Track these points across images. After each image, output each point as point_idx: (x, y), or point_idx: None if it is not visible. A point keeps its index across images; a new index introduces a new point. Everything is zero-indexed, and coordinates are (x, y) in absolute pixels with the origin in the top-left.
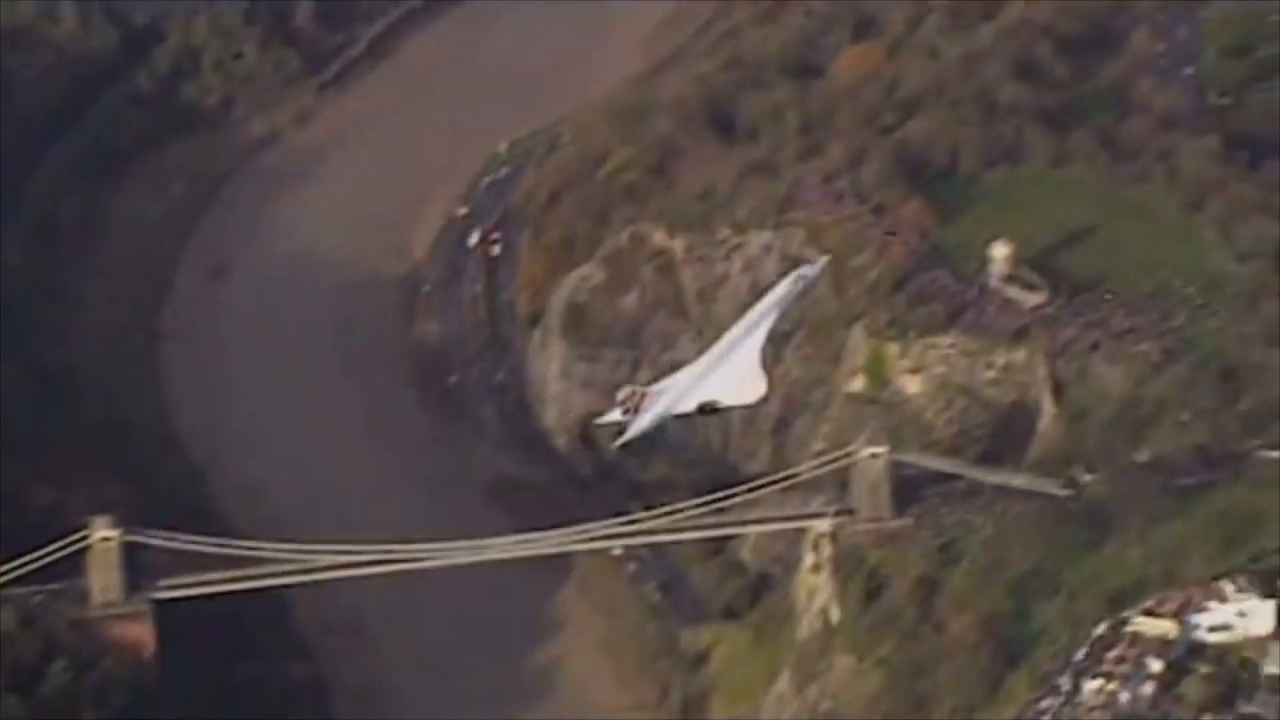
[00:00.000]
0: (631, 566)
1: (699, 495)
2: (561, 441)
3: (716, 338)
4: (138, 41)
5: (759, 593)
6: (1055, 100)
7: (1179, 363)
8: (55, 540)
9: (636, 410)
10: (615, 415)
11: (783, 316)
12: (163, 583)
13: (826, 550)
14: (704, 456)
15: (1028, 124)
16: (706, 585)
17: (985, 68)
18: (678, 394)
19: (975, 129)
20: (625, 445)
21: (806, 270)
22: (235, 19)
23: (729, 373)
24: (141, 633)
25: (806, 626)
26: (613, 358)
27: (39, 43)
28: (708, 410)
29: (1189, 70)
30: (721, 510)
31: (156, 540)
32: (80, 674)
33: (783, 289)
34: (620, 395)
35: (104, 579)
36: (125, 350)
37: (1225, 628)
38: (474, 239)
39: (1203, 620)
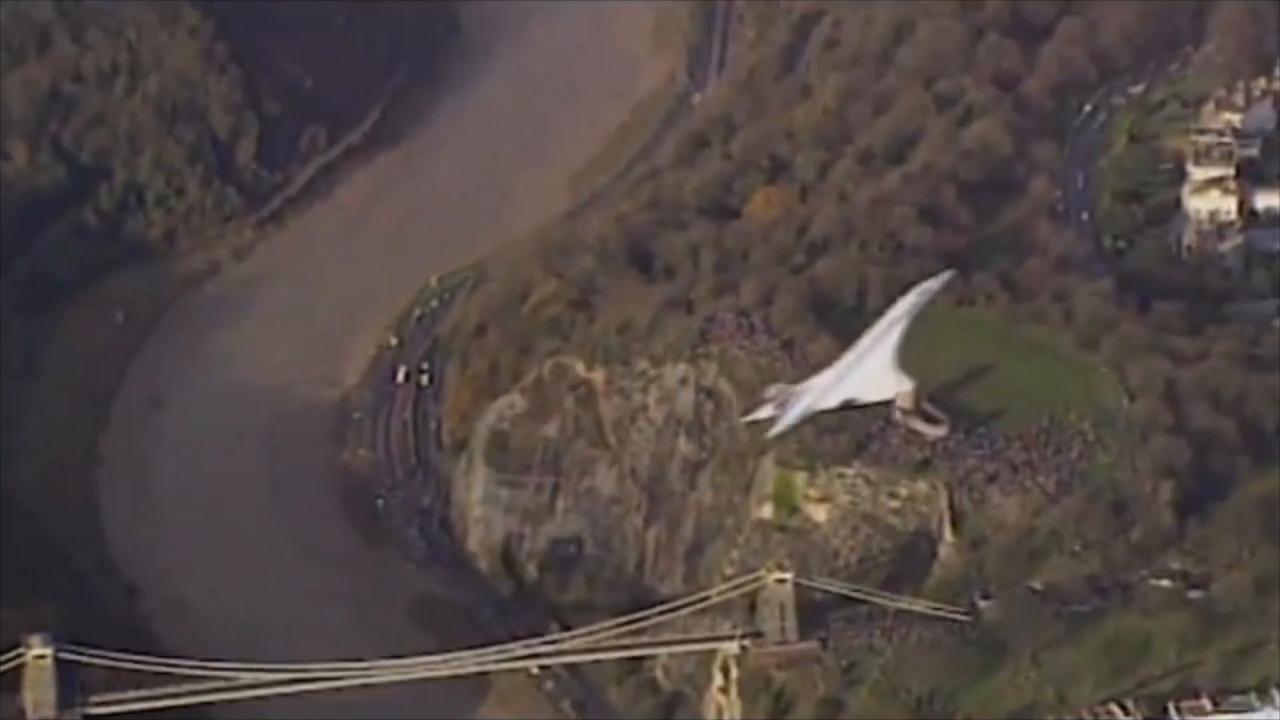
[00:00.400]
0: (549, 684)
1: (614, 616)
2: (483, 563)
3: (634, 466)
4: (85, 178)
5: (672, 711)
6: (958, 242)
7: (1072, 495)
8: None
9: (784, 407)
10: (765, 412)
11: (914, 319)
12: (94, 699)
13: (734, 672)
14: (620, 579)
15: (931, 265)
16: (621, 703)
17: (892, 211)
18: (820, 392)
19: (882, 269)
20: (779, 435)
21: (932, 283)
22: (179, 157)
23: (866, 373)
24: None
25: None
26: (533, 483)
27: None
28: (849, 407)
29: (1085, 215)
30: (635, 631)
31: (88, 658)
32: None
33: (913, 297)
34: (770, 393)
35: (38, 695)
36: (64, 475)
37: None
38: (401, 374)
39: None
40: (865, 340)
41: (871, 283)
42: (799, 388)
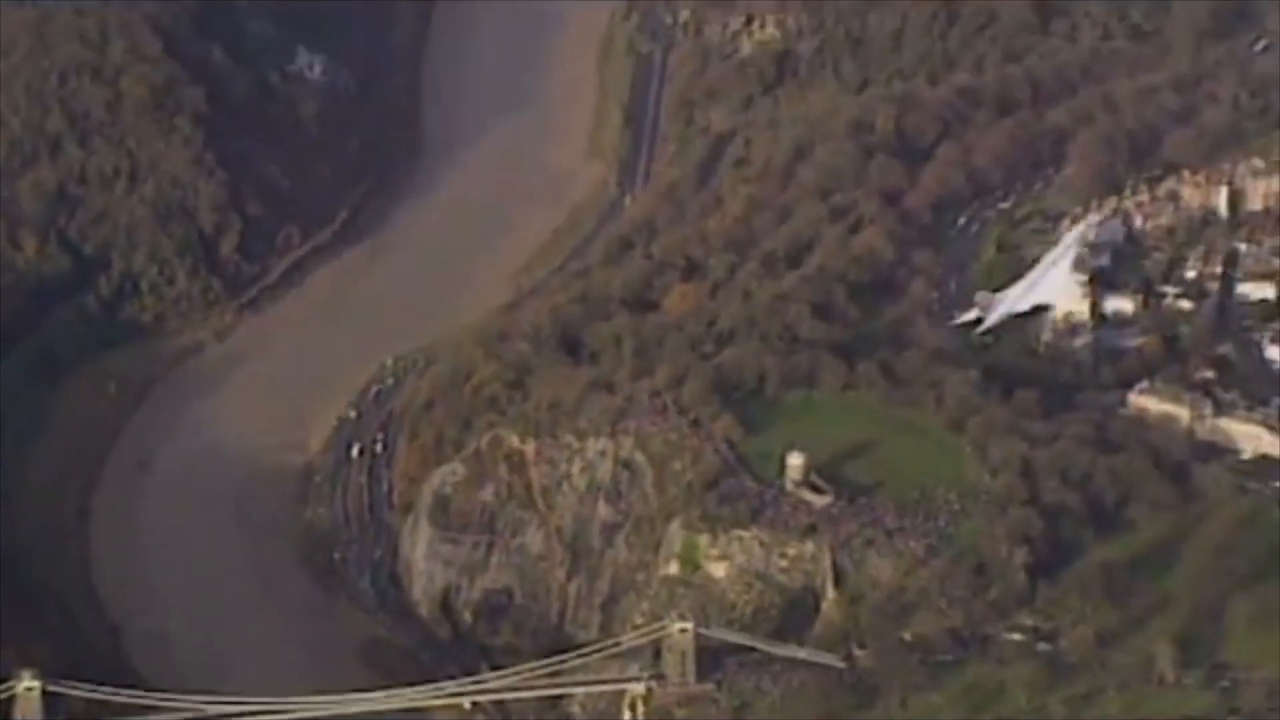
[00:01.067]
0: (479, 718)
1: (538, 659)
2: (425, 611)
3: (559, 526)
4: (86, 267)
5: None
6: (845, 335)
7: (939, 557)
8: None
9: (988, 310)
10: (972, 314)
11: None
12: None
13: (640, 709)
14: (544, 626)
15: (822, 354)
16: None
17: (790, 307)
18: (1015, 299)
19: (778, 357)
20: (986, 331)
21: (1092, 217)
22: (170, 250)
23: (1050, 283)
24: None
25: None
26: (470, 541)
27: (3, 265)
28: (1039, 309)
29: (958, 313)
30: (556, 672)
31: (73, 690)
32: None
33: (1079, 229)
34: (977, 299)
35: None
36: (58, 528)
37: None
38: (356, 449)
39: None
40: (1047, 259)
41: (769, 370)
42: (999, 295)
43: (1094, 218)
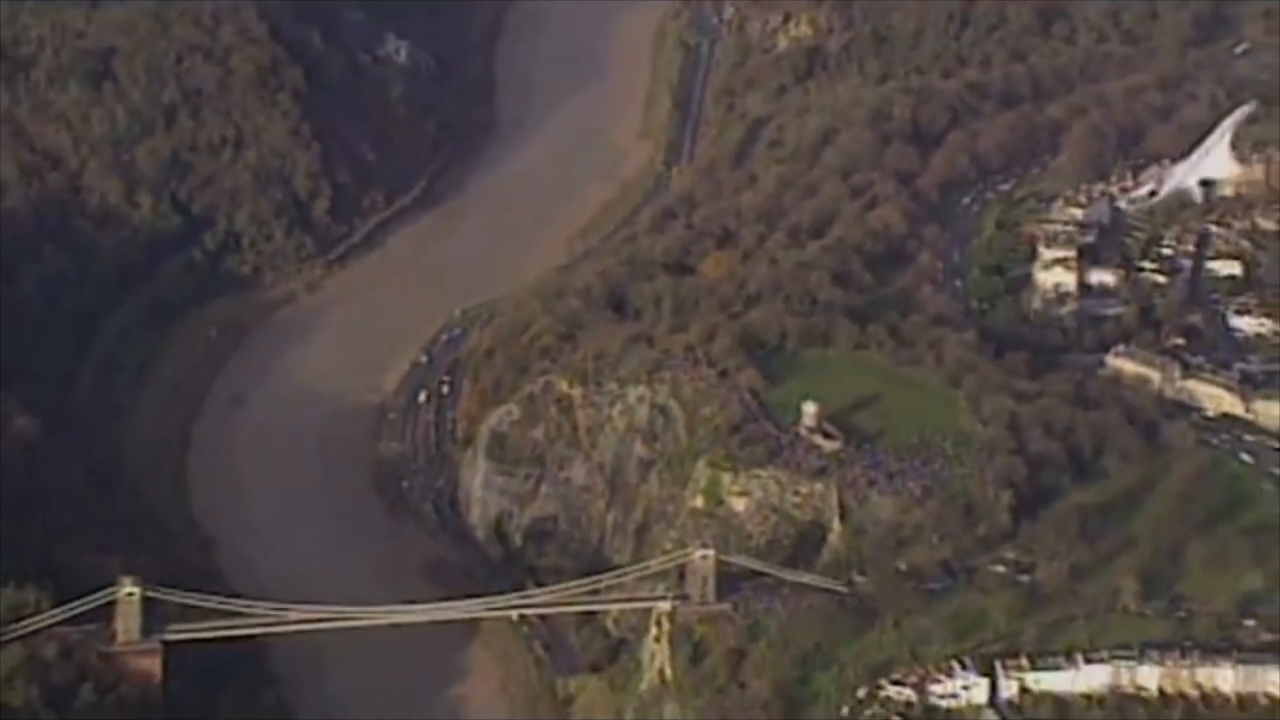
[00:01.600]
0: (524, 629)
1: (578, 578)
2: (480, 534)
3: (600, 463)
4: (194, 224)
5: (617, 653)
6: (859, 300)
7: (933, 498)
8: (93, 593)
9: (1160, 183)
10: (1146, 189)
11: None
12: (171, 628)
13: (666, 625)
14: (584, 550)
15: (837, 316)
16: (579, 646)
17: (811, 274)
18: (1183, 175)
19: (799, 318)
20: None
21: (1238, 114)
22: (268, 212)
23: (1212, 162)
24: (152, 665)
25: (647, 681)
26: (522, 474)
27: (122, 221)
28: (1205, 184)
29: (958, 283)
30: (593, 591)
31: (168, 596)
32: (103, 696)
33: (1230, 121)
34: (1148, 174)
35: (126, 623)
36: (162, 455)
37: (953, 696)
38: (424, 394)
39: (936, 690)
40: (1208, 142)
41: (790, 329)
42: (1167, 171)
43: (1245, 110)
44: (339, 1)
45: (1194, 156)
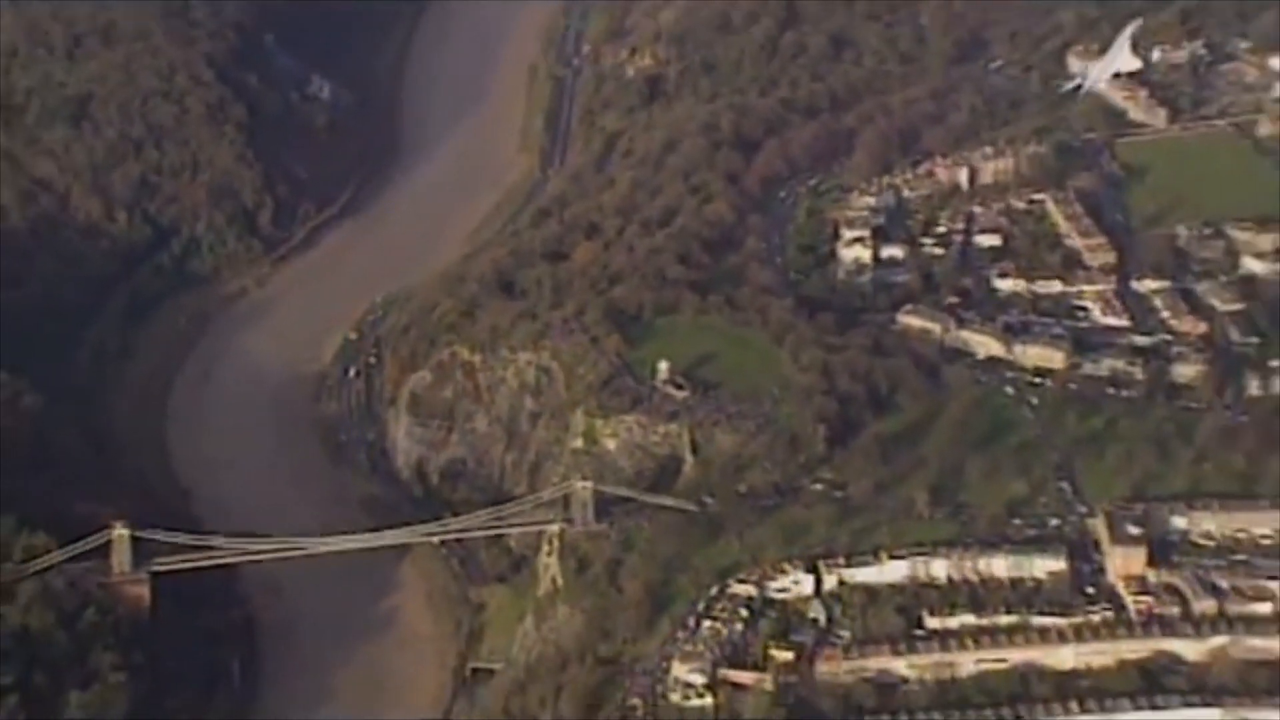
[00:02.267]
0: (444, 550)
1: (485, 509)
2: (405, 475)
3: (498, 415)
4: (163, 234)
5: (518, 567)
6: (700, 277)
7: (765, 433)
8: (92, 534)
9: (1084, 79)
10: (1071, 84)
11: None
12: (156, 561)
13: (556, 543)
14: (489, 485)
15: (683, 290)
16: (487, 562)
17: (661, 257)
18: (1099, 71)
19: (653, 292)
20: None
21: (1129, 29)
22: (222, 221)
23: (1117, 60)
24: (142, 592)
25: (543, 588)
26: (436, 425)
27: (103, 234)
28: (1119, 74)
29: (778, 260)
30: (497, 518)
31: (153, 536)
32: (103, 617)
33: (1127, 31)
34: (1075, 71)
35: (120, 559)
36: (145, 422)
37: (785, 590)
38: (354, 367)
39: (773, 586)
40: (1112, 49)
41: (646, 302)
42: (1087, 70)
43: (1137, 22)
44: (273, 49)
45: (1105, 59)
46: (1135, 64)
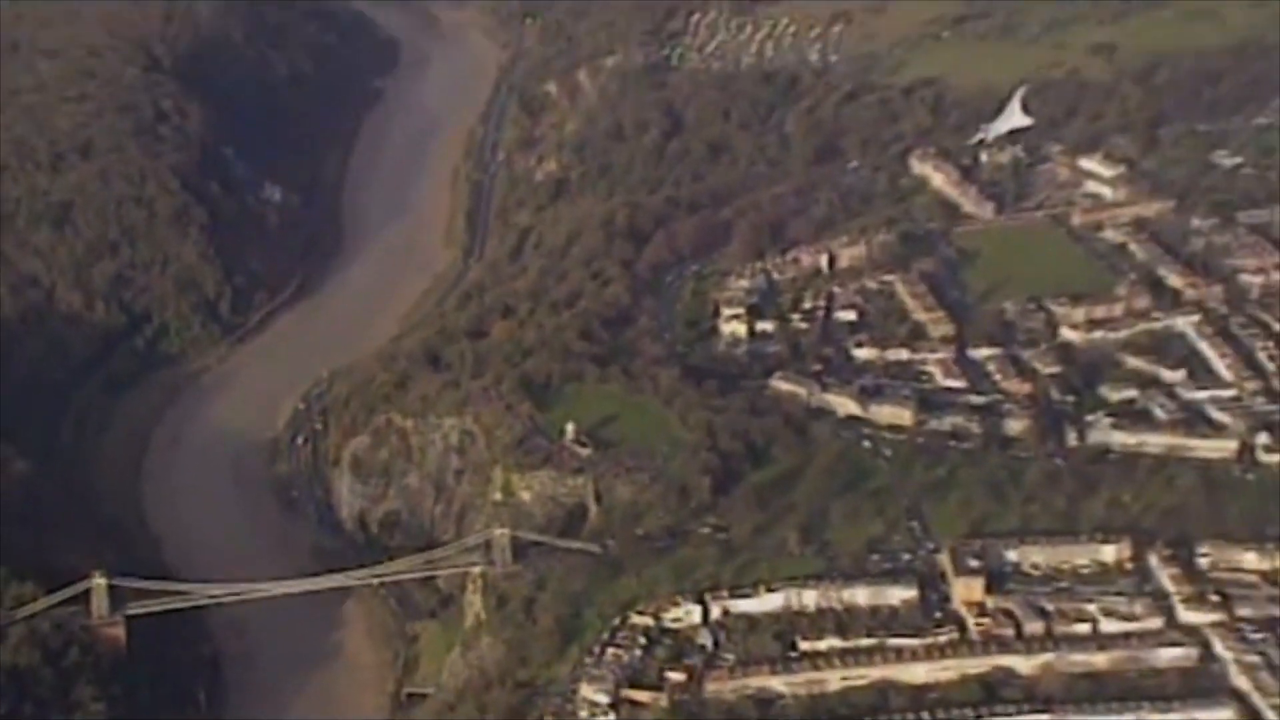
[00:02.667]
0: (382, 590)
1: (419, 553)
2: (349, 526)
3: (428, 472)
4: (136, 321)
5: (447, 604)
6: (601, 349)
7: (659, 484)
8: (74, 583)
9: (985, 134)
10: (977, 137)
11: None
12: (131, 605)
13: (480, 583)
14: (421, 533)
15: (586, 362)
16: (421, 600)
17: (567, 333)
18: (997, 128)
19: (560, 364)
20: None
21: (1019, 93)
22: (187, 309)
23: (1011, 119)
24: (119, 634)
25: (469, 621)
26: (374, 482)
27: (84, 321)
28: (1016, 130)
29: (667, 335)
30: (429, 561)
31: (129, 583)
32: (85, 655)
33: (1020, 93)
34: (981, 128)
35: (99, 604)
36: (122, 482)
37: (678, 620)
38: (300, 439)
39: (667, 616)
40: (1007, 108)
41: (554, 372)
42: (988, 128)
43: (1024, 86)
44: (231, 159)
45: (1001, 118)
46: (1026, 121)
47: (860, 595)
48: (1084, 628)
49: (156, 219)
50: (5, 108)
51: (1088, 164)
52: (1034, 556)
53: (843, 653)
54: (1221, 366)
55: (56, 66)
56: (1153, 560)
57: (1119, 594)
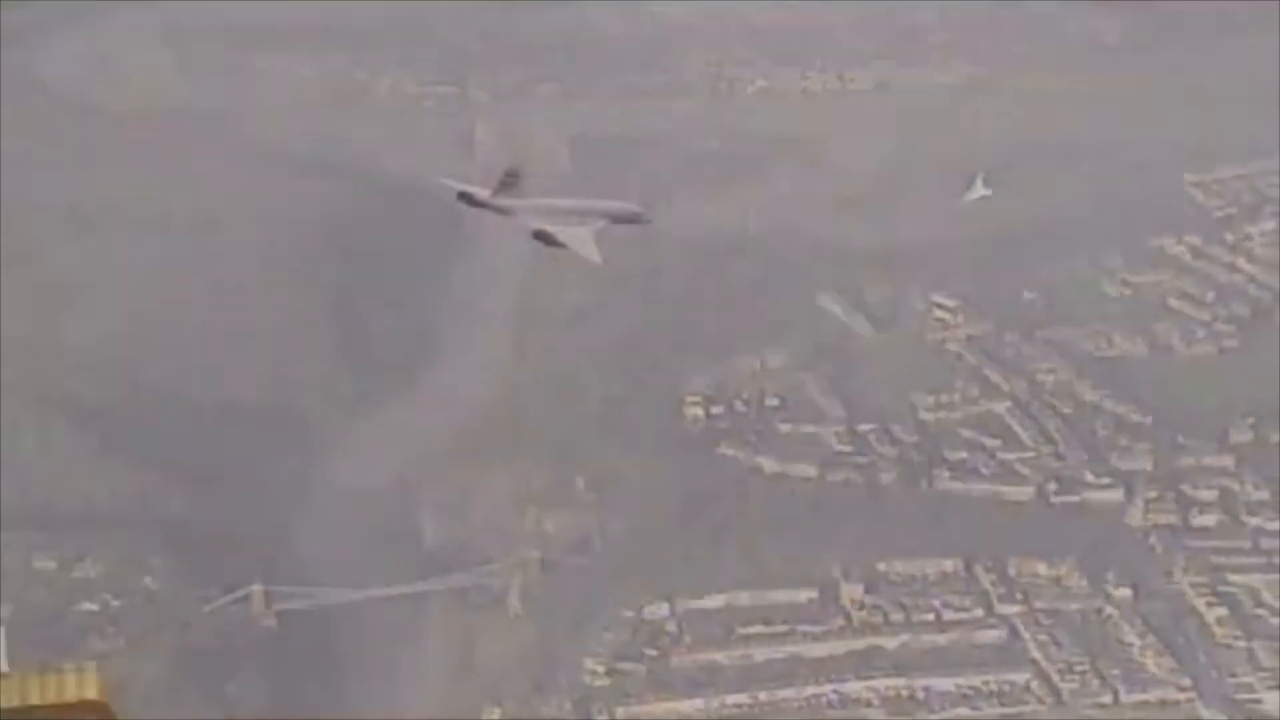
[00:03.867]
0: None
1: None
2: None
3: None
4: None
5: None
6: None
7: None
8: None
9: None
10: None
11: None
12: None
13: None
14: None
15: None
16: None
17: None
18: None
19: None
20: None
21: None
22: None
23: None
24: (272, 624)
25: None
26: None
27: None
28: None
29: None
30: None
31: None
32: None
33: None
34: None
35: (258, 604)
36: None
37: (653, 614)
38: None
39: (645, 612)
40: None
41: None
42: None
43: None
44: None
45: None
46: (987, 191)
47: (780, 596)
48: (930, 616)
49: None
50: None
51: (937, 298)
52: (898, 568)
53: (767, 636)
54: (1025, 436)
55: None
56: (978, 570)
57: (954, 593)
